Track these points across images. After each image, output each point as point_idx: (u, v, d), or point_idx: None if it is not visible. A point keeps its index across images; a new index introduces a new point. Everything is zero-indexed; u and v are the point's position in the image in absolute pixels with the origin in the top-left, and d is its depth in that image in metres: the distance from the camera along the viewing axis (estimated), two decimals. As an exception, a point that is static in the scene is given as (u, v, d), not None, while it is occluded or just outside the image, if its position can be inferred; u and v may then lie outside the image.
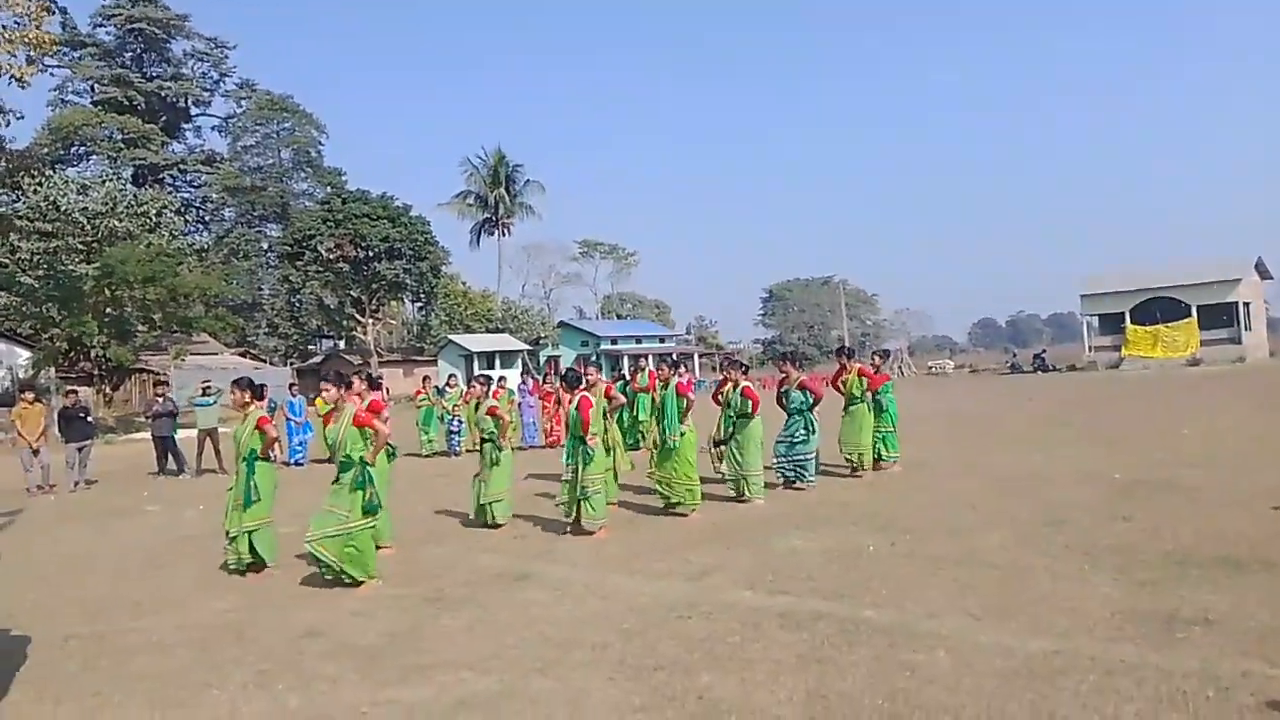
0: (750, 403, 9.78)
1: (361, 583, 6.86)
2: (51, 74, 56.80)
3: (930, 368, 56.34)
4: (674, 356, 12.41)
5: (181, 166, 62.34)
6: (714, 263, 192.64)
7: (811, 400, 10.40)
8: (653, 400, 9.76)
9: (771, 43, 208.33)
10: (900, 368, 53.99)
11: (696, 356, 60.75)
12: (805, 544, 7.60)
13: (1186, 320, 42.00)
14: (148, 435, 16.56)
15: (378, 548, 7.45)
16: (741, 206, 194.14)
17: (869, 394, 11.27)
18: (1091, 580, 5.95)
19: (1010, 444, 14.47)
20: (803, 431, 10.34)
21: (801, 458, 10.34)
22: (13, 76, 21.50)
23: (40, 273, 31.73)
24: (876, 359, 12.41)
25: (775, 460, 10.51)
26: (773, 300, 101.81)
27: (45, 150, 50.59)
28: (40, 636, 5.97)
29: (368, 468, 7.00)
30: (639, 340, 61.50)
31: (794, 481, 10.41)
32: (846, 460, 11.27)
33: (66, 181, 35.11)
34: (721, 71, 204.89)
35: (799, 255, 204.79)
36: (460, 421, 17.21)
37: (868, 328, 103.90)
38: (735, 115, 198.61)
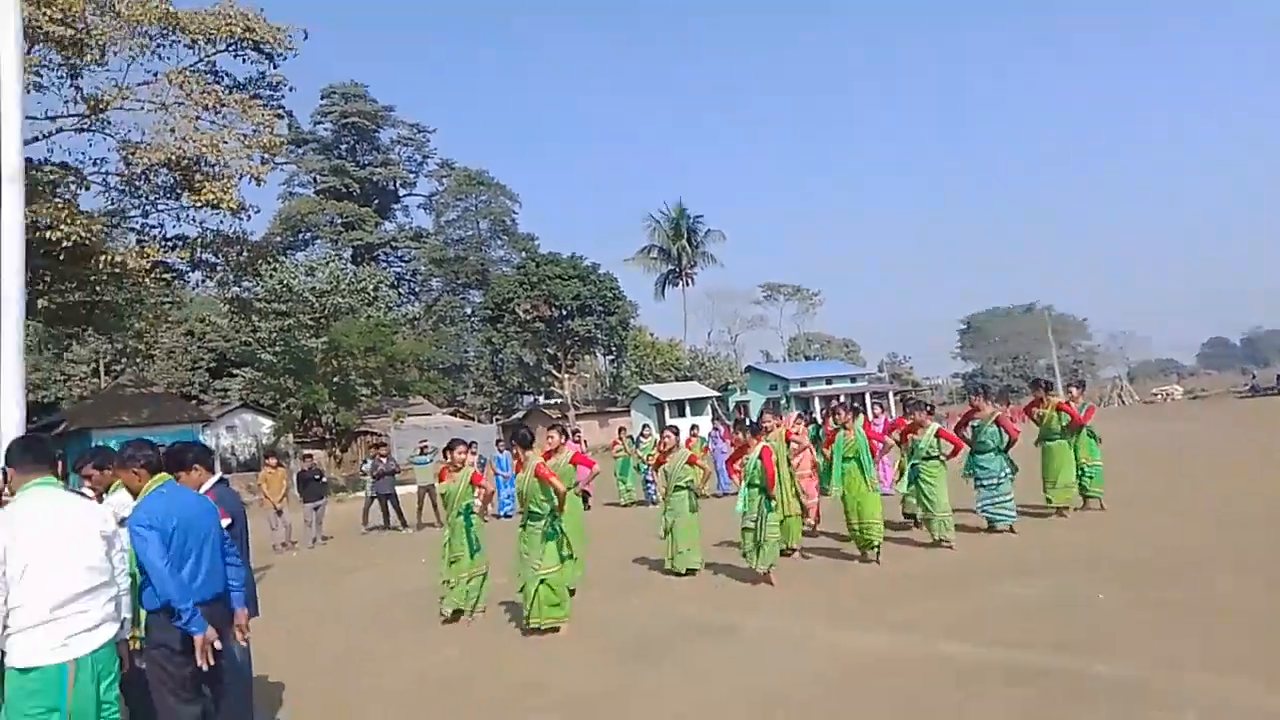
0: (950, 446, 9.65)
1: (559, 628, 7.16)
2: (281, 170, 63.39)
3: (1154, 394, 51.57)
4: (856, 398, 12.21)
5: (393, 244, 68.12)
6: (903, 296, 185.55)
7: (1007, 440, 9.93)
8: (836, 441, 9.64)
9: (952, 66, 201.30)
10: (1120, 395, 49.96)
11: (891, 394, 58.72)
12: (1020, 590, 7.17)
13: None
14: (369, 493, 17.90)
15: (570, 593, 7.75)
16: (928, 237, 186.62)
17: (1071, 430, 10.58)
18: (1366, 631, 5.24)
19: (1239, 478, 12.95)
20: (1006, 472, 9.85)
21: (1004, 498, 9.83)
22: (252, 177, 24.25)
23: (278, 349, 35.45)
24: (1073, 390, 11.61)
25: (979, 505, 10.06)
26: (971, 331, 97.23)
27: (278, 238, 56.55)
28: (290, 684, 6.57)
29: (557, 520, 7.32)
30: (829, 381, 60.25)
31: (996, 524, 9.87)
32: (1048, 499, 10.62)
33: (296, 265, 39.22)
34: (903, 104, 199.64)
35: (995, 283, 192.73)
36: (657, 469, 17.52)
37: (1079, 355, 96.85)
38: (924, 141, 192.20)
